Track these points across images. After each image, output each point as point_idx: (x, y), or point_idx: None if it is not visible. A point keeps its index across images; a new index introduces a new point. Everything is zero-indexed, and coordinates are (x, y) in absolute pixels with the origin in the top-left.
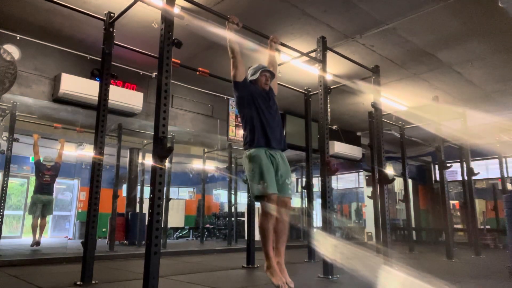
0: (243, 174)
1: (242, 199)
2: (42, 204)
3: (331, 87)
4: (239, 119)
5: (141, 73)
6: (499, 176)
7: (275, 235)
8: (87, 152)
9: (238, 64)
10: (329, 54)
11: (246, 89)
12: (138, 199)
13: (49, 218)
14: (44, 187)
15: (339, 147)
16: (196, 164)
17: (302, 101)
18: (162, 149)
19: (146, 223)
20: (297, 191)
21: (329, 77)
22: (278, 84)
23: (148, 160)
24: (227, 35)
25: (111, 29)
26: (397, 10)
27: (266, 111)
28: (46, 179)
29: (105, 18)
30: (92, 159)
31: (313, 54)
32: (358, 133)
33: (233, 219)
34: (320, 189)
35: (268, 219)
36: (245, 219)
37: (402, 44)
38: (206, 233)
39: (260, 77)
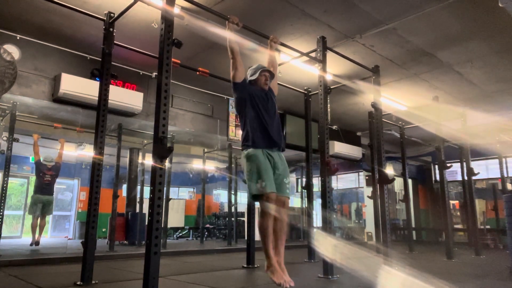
0: (243, 174)
1: (242, 199)
2: (42, 204)
3: (331, 87)
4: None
5: (141, 73)
6: (499, 176)
7: (274, 234)
8: (87, 152)
9: (237, 65)
10: (329, 54)
11: (245, 90)
12: (138, 199)
13: (49, 218)
14: (44, 187)
15: (339, 147)
16: (196, 164)
17: (302, 101)
18: (162, 149)
19: (146, 223)
20: (297, 191)
21: (329, 77)
22: (278, 84)
23: (148, 160)
24: (227, 35)
25: (111, 29)
26: (397, 10)
27: (264, 111)
28: (46, 178)
29: (105, 18)
30: (92, 159)
31: (313, 54)
32: (358, 133)
33: (233, 219)
34: (320, 189)
35: (267, 219)
36: (245, 219)
37: (402, 44)
38: (206, 233)
39: (259, 77)
